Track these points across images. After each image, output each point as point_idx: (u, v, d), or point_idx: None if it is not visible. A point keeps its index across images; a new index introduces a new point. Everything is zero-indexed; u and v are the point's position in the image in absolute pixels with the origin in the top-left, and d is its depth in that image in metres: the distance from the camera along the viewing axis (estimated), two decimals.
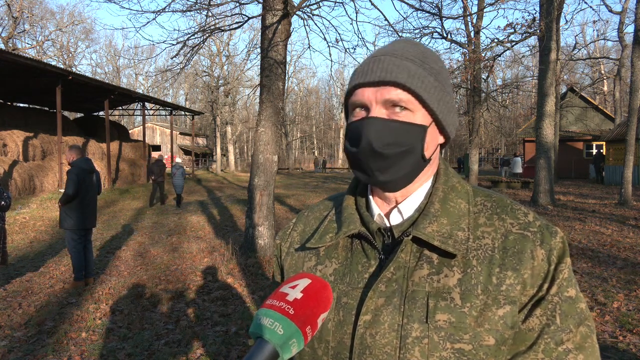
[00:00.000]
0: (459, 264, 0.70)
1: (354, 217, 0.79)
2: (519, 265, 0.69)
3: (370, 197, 0.80)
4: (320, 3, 7.32)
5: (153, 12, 7.21)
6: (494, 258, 0.70)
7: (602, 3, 24.76)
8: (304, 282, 0.68)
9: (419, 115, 0.72)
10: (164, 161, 14.23)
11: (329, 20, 7.97)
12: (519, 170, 24.60)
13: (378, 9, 7.22)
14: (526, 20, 11.72)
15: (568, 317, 0.68)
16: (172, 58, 8.10)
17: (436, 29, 16.05)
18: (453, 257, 0.71)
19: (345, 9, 7.41)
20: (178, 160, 14.34)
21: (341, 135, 58.43)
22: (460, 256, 0.70)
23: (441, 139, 0.78)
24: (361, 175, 0.75)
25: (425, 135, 0.72)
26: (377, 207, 0.79)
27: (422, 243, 0.73)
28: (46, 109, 22.49)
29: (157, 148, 43.70)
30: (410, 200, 0.77)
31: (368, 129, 0.70)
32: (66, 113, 31.59)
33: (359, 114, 0.74)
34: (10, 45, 31.22)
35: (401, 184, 0.74)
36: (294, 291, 0.66)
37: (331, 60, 8.37)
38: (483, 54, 14.08)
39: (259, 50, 7.66)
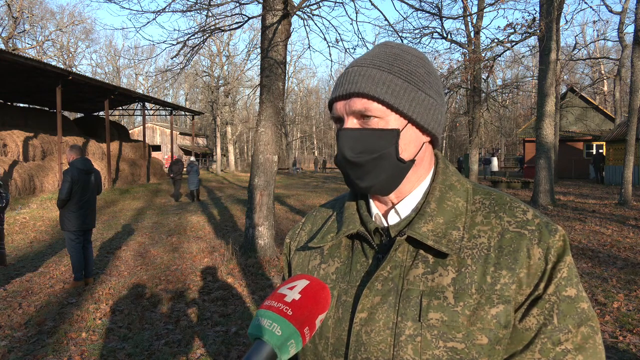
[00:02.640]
0: (453, 263, 0.71)
1: (354, 217, 0.81)
2: (514, 264, 0.69)
3: (370, 198, 0.82)
4: (320, 3, 7.33)
5: (153, 12, 7.21)
6: (489, 257, 0.70)
7: (602, 3, 24.76)
8: (302, 283, 0.68)
9: (391, 120, 0.73)
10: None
11: (329, 20, 7.97)
12: (495, 169, 25.84)
13: (378, 9, 7.23)
14: (526, 20, 11.73)
15: (567, 316, 0.67)
16: (172, 58, 8.11)
17: (436, 29, 16.08)
18: (447, 257, 0.71)
19: (345, 9, 7.42)
20: (192, 159, 15.62)
21: None
22: (454, 255, 0.71)
23: (426, 138, 0.77)
24: (347, 183, 0.78)
25: (398, 138, 0.73)
26: (376, 207, 0.81)
27: (418, 243, 0.74)
28: (46, 109, 22.50)
29: (157, 148, 43.72)
30: (407, 200, 0.78)
31: (341, 140, 0.74)
32: (66, 113, 31.62)
33: (337, 126, 0.78)
34: (11, 45, 31.23)
35: (386, 188, 0.75)
36: (292, 292, 0.66)
37: (331, 60, 8.37)
38: (483, 54, 14.09)
39: (259, 50, 7.66)
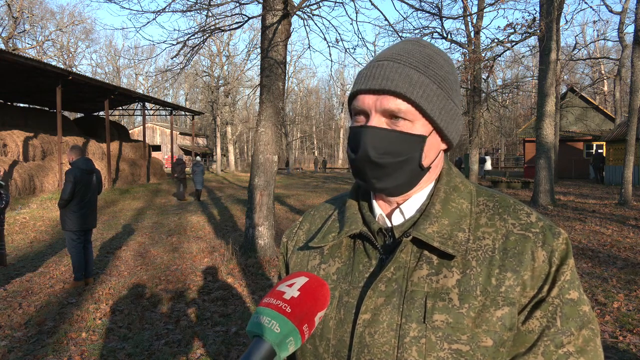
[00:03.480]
0: (458, 264, 0.70)
1: (357, 217, 0.80)
2: (519, 266, 0.68)
3: (373, 197, 0.81)
4: (320, 3, 7.33)
5: (153, 12, 7.21)
6: (494, 259, 0.70)
7: (602, 3, 24.77)
8: (301, 281, 0.67)
9: (418, 125, 0.72)
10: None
11: (329, 20, 7.97)
12: (489, 168, 26.67)
13: (378, 9, 7.22)
14: (526, 20, 11.73)
15: (569, 319, 0.67)
16: (172, 58, 8.10)
17: (436, 29, 16.09)
18: (452, 258, 0.71)
19: (345, 9, 7.42)
20: (198, 158, 16.37)
21: (341, 135, 58.48)
22: (459, 257, 0.70)
23: (443, 146, 0.77)
24: (360, 182, 0.76)
25: (424, 145, 0.72)
26: (379, 207, 0.80)
27: (422, 244, 0.73)
28: (46, 109, 22.49)
29: (157, 148, 43.71)
30: (411, 201, 0.78)
31: (365, 137, 0.71)
32: (66, 113, 31.60)
33: (360, 120, 0.74)
34: (11, 45, 31.22)
35: (400, 191, 0.75)
36: (291, 289, 0.66)
37: (331, 60, 8.37)
38: (483, 54, 14.09)
39: (259, 50, 7.67)
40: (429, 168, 0.75)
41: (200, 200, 15.39)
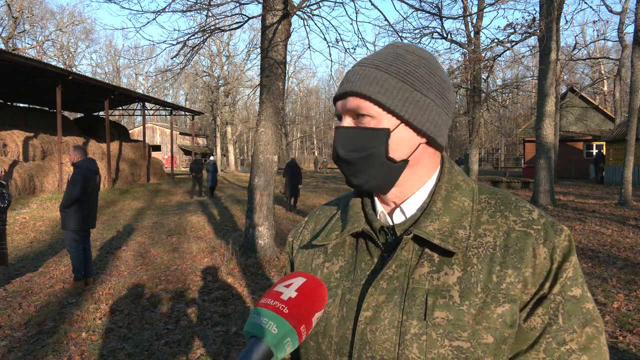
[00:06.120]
0: (459, 262, 0.71)
1: (359, 215, 0.81)
2: (520, 263, 0.68)
3: (374, 196, 0.82)
4: (320, 3, 7.33)
5: (153, 12, 7.21)
6: (495, 256, 0.70)
7: (602, 3, 24.78)
8: (298, 281, 0.67)
9: (384, 120, 0.73)
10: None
11: (329, 20, 7.98)
12: None
13: (378, 9, 7.23)
14: (526, 20, 11.74)
15: (572, 316, 0.67)
16: (172, 58, 8.10)
17: (436, 29, 16.09)
18: (453, 255, 0.71)
19: (345, 9, 7.42)
20: (212, 158, 17.49)
21: None
22: (460, 254, 0.70)
23: (422, 139, 0.76)
24: (345, 180, 0.80)
25: (388, 138, 0.73)
26: (381, 205, 0.80)
27: (423, 241, 0.73)
28: (46, 109, 22.48)
29: (157, 148, 43.72)
30: (412, 199, 0.78)
31: (336, 138, 0.76)
32: (66, 113, 31.61)
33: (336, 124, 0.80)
34: (11, 45, 31.22)
35: (380, 187, 0.75)
36: (289, 290, 0.65)
37: (331, 60, 8.37)
38: (483, 54, 14.10)
39: (259, 50, 7.67)
40: (406, 162, 0.74)
41: (213, 196, 16.37)
